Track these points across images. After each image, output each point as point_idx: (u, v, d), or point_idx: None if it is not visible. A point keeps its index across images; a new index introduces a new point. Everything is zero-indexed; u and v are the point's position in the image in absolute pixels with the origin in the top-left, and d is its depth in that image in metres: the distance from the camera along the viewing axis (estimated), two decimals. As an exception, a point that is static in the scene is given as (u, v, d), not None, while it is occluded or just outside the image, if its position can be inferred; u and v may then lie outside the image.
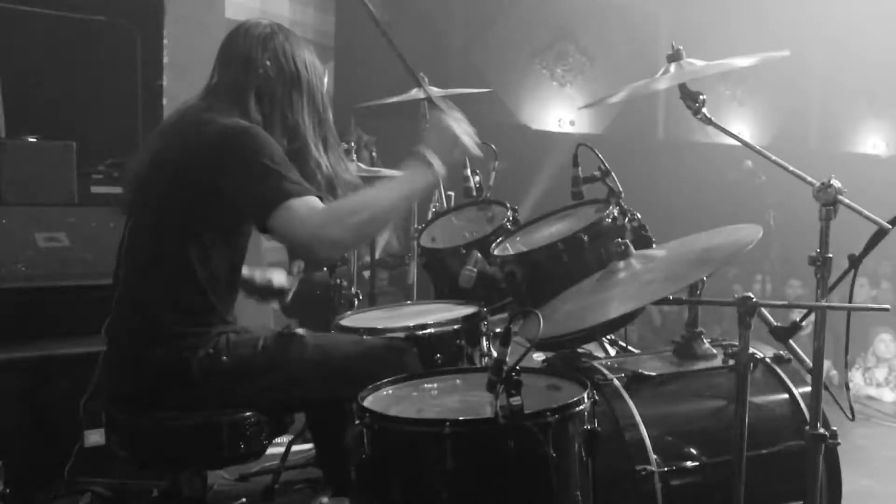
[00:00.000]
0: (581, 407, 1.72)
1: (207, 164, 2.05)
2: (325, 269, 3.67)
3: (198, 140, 2.08)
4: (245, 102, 2.16)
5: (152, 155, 2.18)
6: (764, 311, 1.88)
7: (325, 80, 2.29)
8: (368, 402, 1.84)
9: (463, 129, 2.18)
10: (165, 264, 2.11)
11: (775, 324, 1.92)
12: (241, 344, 2.14)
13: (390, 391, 1.97)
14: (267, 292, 2.60)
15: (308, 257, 2.14)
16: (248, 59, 2.20)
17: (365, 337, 2.35)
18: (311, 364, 2.15)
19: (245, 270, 2.43)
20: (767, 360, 2.31)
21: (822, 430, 1.98)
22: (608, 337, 2.82)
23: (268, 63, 2.19)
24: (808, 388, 2.11)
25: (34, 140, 3.32)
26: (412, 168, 2.15)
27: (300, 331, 2.19)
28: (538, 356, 2.50)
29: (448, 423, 1.63)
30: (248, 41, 2.22)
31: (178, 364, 2.06)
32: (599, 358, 2.52)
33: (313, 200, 2.04)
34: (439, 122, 2.21)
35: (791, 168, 2.02)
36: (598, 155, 2.54)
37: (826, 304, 1.95)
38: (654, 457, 2.05)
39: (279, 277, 2.61)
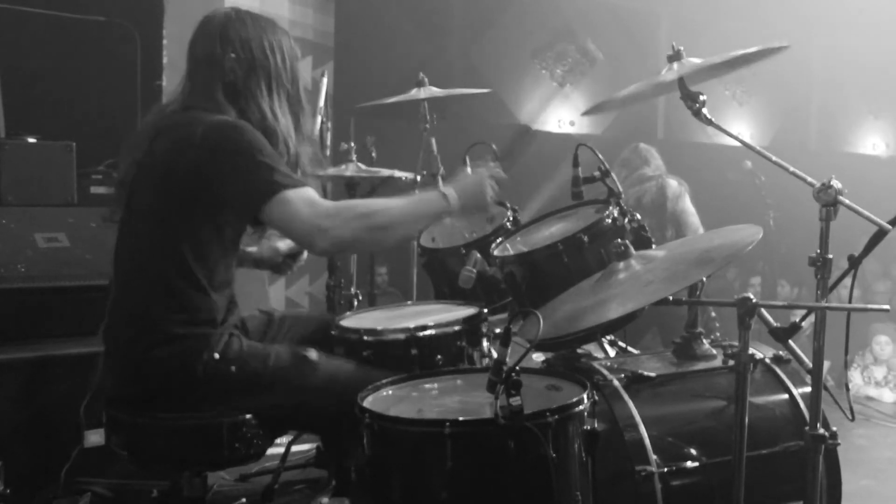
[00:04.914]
0: (581, 407, 1.73)
1: (197, 162, 2.05)
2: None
3: (185, 140, 2.07)
4: (218, 101, 2.15)
5: (138, 160, 2.17)
6: (764, 311, 1.88)
7: (290, 51, 2.25)
8: (368, 403, 1.84)
9: (491, 186, 2.23)
10: (162, 265, 2.10)
11: (775, 324, 1.92)
12: (252, 356, 2.13)
13: (390, 391, 1.97)
14: (278, 263, 2.61)
15: (306, 248, 2.13)
16: (211, 58, 2.18)
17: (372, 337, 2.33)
18: (321, 393, 2.13)
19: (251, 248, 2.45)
20: (767, 360, 2.32)
21: (821, 431, 1.98)
22: (608, 337, 2.82)
23: (232, 56, 2.17)
24: (808, 389, 2.11)
25: (34, 140, 3.32)
26: (431, 196, 2.18)
27: (314, 357, 2.17)
28: (538, 357, 2.50)
29: (448, 424, 1.64)
30: (208, 39, 2.20)
31: (182, 366, 2.06)
32: (599, 358, 2.52)
33: (310, 192, 2.04)
34: (478, 177, 2.24)
35: (791, 168, 2.02)
36: (598, 155, 2.54)
37: (826, 304, 1.95)
38: (654, 457, 2.05)
39: (284, 244, 2.61)
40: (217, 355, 2.07)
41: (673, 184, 4.75)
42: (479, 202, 2.23)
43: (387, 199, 2.16)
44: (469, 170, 2.29)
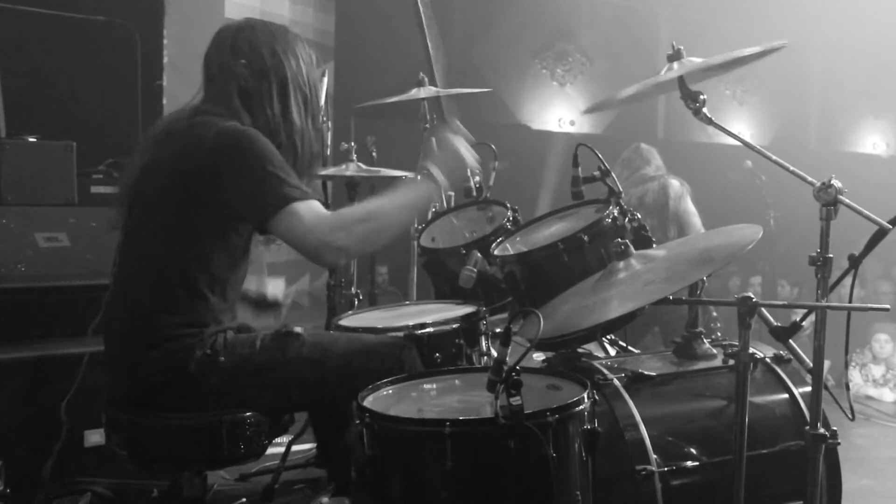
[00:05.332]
0: (581, 407, 1.73)
1: (205, 167, 2.05)
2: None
3: (195, 144, 2.07)
4: (233, 108, 2.16)
5: (145, 162, 2.17)
6: (764, 311, 1.88)
7: (305, 56, 2.26)
8: (368, 402, 1.84)
9: (465, 146, 2.25)
10: (164, 268, 2.10)
11: (775, 324, 1.92)
12: (239, 343, 2.14)
13: (390, 391, 1.97)
14: (261, 305, 2.61)
15: (314, 262, 2.14)
16: (224, 67, 2.20)
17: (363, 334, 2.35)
18: (309, 362, 2.15)
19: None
20: (767, 360, 2.31)
21: (822, 430, 1.98)
22: (608, 337, 2.82)
23: (242, 62, 2.19)
24: (809, 388, 2.11)
25: (34, 140, 3.31)
26: (418, 183, 2.20)
27: (298, 329, 2.19)
28: (538, 356, 2.51)
29: (448, 423, 1.63)
30: (220, 49, 2.23)
31: (176, 366, 2.06)
32: (599, 358, 2.52)
33: (316, 205, 2.05)
34: (447, 142, 2.26)
35: (791, 168, 2.02)
36: (598, 155, 2.54)
37: (826, 304, 1.95)
38: (654, 457, 2.05)
39: (274, 289, 2.61)
40: (209, 351, 2.08)
41: (675, 184, 4.78)
42: (462, 171, 2.29)
43: (382, 198, 2.18)
44: (436, 142, 2.29)
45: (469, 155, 2.25)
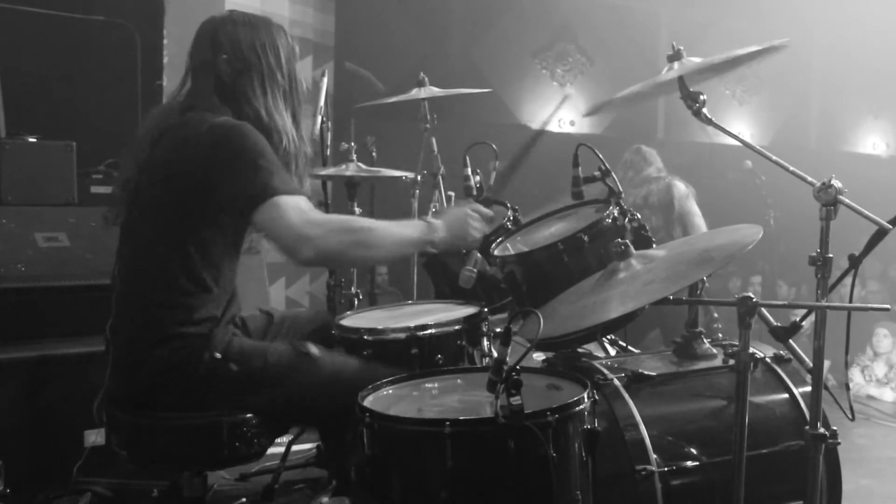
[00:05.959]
0: (581, 407, 1.73)
1: (200, 161, 2.06)
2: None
3: (189, 140, 2.08)
4: (214, 103, 2.17)
5: (142, 159, 2.18)
6: (764, 311, 1.88)
7: (285, 49, 2.25)
8: (369, 402, 1.84)
9: (476, 227, 2.30)
10: (166, 264, 2.10)
11: (775, 324, 1.92)
12: (253, 354, 2.13)
13: (391, 391, 1.97)
14: None
15: (288, 256, 2.13)
16: (206, 62, 2.21)
17: (372, 341, 2.33)
18: (319, 387, 2.14)
19: None
20: (767, 359, 2.31)
21: (822, 430, 1.98)
22: (608, 337, 2.82)
23: (223, 57, 2.19)
24: (809, 388, 2.11)
25: (34, 140, 3.32)
26: (418, 224, 2.22)
27: (315, 351, 2.18)
28: (538, 356, 2.50)
29: (448, 423, 1.63)
30: (201, 44, 2.24)
31: (184, 365, 2.06)
32: (599, 358, 2.52)
33: (302, 201, 2.06)
34: (461, 213, 2.31)
35: (791, 168, 2.02)
36: (598, 155, 2.54)
37: (826, 304, 1.95)
38: (654, 457, 2.05)
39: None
40: (218, 354, 2.07)
41: (680, 185, 4.82)
42: (463, 237, 2.30)
43: (379, 221, 2.19)
44: (453, 207, 2.33)
45: (475, 233, 2.30)
